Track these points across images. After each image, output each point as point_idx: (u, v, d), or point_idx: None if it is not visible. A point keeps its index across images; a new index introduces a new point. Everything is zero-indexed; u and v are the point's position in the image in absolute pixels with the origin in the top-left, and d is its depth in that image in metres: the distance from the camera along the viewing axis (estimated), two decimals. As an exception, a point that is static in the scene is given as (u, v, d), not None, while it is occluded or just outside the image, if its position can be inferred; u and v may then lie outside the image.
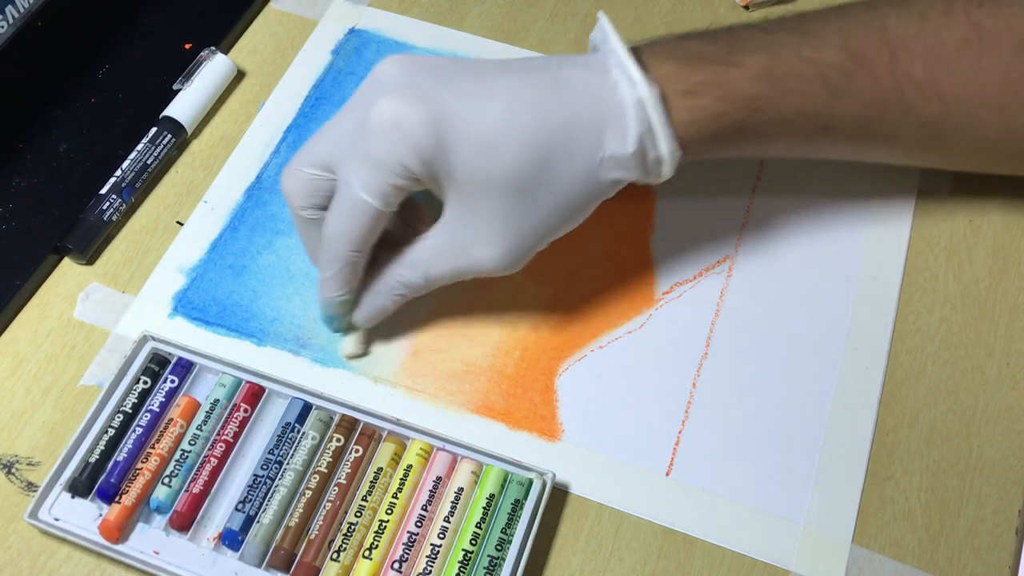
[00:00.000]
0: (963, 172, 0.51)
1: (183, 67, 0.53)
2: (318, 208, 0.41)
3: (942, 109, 0.41)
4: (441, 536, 0.39)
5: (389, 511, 0.40)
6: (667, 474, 0.42)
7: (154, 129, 0.50)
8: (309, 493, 0.40)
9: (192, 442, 0.41)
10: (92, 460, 0.41)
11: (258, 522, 0.40)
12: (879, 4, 0.42)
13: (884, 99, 0.41)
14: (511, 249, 0.40)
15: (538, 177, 0.38)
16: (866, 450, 0.43)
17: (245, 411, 0.42)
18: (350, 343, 0.45)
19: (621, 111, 0.38)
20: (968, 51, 0.41)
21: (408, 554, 0.39)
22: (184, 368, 0.43)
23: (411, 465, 0.41)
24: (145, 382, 0.43)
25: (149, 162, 0.50)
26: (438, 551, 0.39)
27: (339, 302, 0.42)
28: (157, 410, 0.42)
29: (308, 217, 0.41)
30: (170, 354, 0.44)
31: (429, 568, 0.39)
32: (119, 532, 0.39)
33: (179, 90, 0.52)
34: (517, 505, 0.40)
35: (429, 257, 0.41)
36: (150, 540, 0.40)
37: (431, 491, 0.41)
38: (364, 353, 0.45)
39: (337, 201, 0.40)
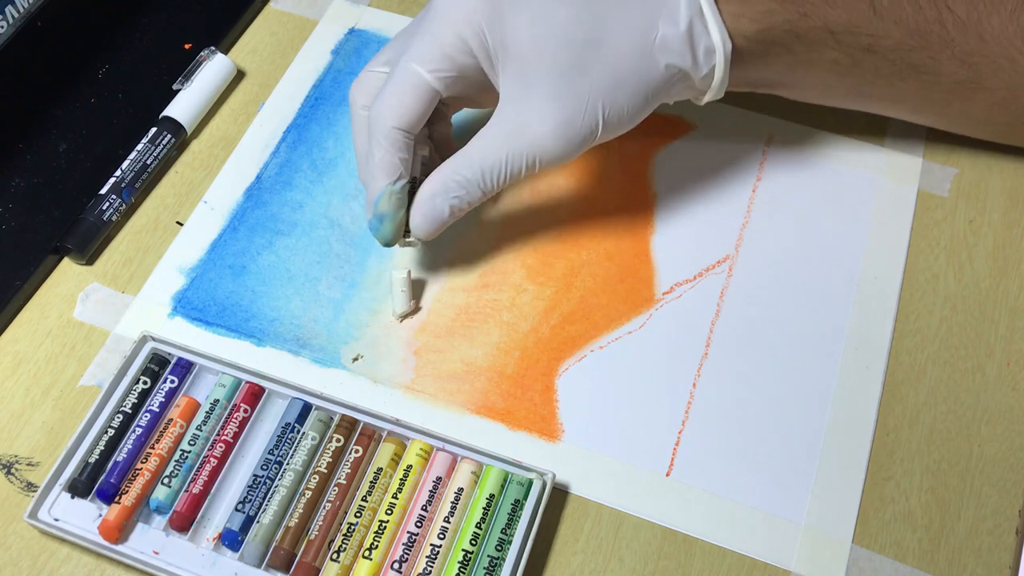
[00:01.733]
0: (965, 172, 0.51)
1: (183, 67, 0.53)
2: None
3: (982, 47, 0.43)
4: (441, 536, 0.39)
5: (389, 511, 0.40)
6: (667, 474, 0.42)
7: (154, 129, 0.50)
8: (309, 493, 0.40)
9: (192, 442, 0.41)
10: (92, 460, 0.41)
11: (258, 522, 0.40)
12: None
13: (925, 29, 0.43)
14: (567, 125, 0.40)
15: (592, 48, 0.39)
16: (866, 450, 0.43)
17: (245, 411, 0.42)
18: (400, 300, 0.45)
19: None
20: None
21: (408, 554, 0.39)
22: (184, 368, 0.43)
23: (411, 465, 0.41)
24: (145, 382, 0.43)
25: (149, 162, 0.50)
26: (438, 551, 0.39)
27: (387, 197, 0.42)
28: (157, 410, 0.42)
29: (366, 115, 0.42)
30: (170, 354, 0.44)
31: (429, 568, 0.39)
32: (119, 532, 0.39)
33: (179, 90, 0.52)
34: (517, 505, 0.40)
35: (483, 145, 0.41)
36: (150, 540, 0.40)
37: (431, 491, 0.41)
38: (415, 310, 0.46)
39: (389, 77, 0.41)
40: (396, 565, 0.39)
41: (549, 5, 0.39)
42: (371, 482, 0.41)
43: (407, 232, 0.44)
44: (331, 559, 0.39)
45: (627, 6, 0.40)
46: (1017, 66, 0.44)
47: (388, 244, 0.44)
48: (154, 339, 0.44)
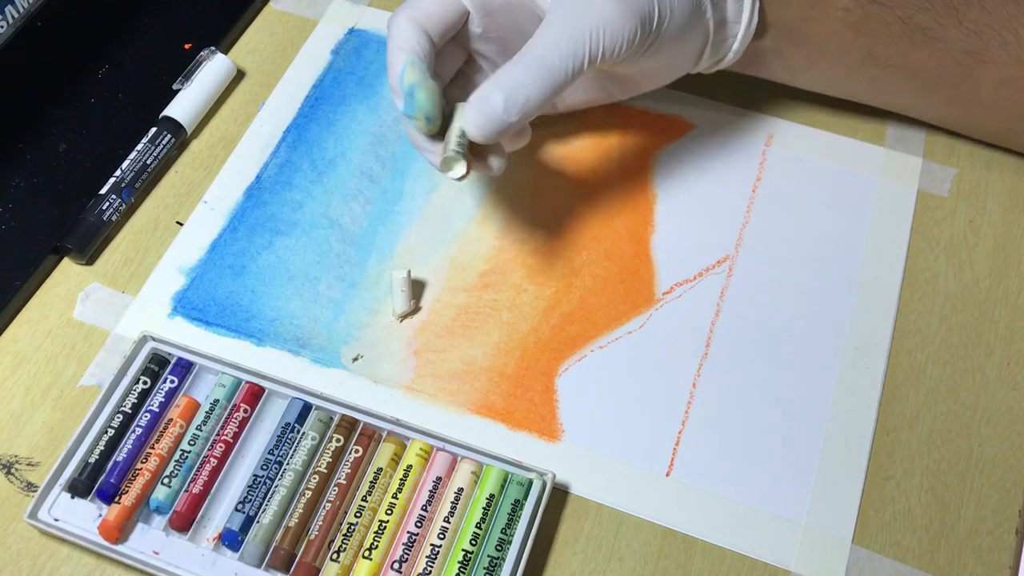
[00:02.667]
0: (965, 172, 0.51)
1: (183, 67, 0.53)
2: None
3: (985, 18, 0.45)
4: (441, 536, 0.39)
5: (389, 511, 0.40)
6: (667, 474, 0.42)
7: (154, 129, 0.50)
8: (309, 493, 0.40)
9: (192, 442, 0.41)
10: (92, 460, 0.41)
11: (258, 522, 0.40)
12: None
13: None
14: (635, 23, 0.40)
15: None
16: (866, 450, 0.43)
17: (245, 411, 0.42)
18: (400, 300, 0.45)
19: None
20: None
21: (408, 554, 0.39)
22: (184, 368, 0.43)
23: (411, 465, 0.41)
24: (145, 382, 0.43)
25: (149, 162, 0.50)
26: (438, 551, 0.39)
27: (410, 67, 0.39)
28: (157, 410, 0.42)
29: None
30: (170, 354, 0.44)
31: (429, 568, 0.39)
32: (119, 532, 0.39)
33: (179, 90, 0.52)
34: (517, 505, 0.40)
35: (542, 32, 0.39)
36: (150, 540, 0.40)
37: (431, 491, 0.41)
38: (415, 310, 0.46)
39: None
40: (396, 565, 0.39)
41: None
42: (371, 482, 0.41)
43: (458, 147, 0.39)
44: (331, 559, 0.39)
45: None
46: (1022, 40, 0.44)
47: (431, 121, 0.39)
48: (154, 339, 0.44)
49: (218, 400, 0.42)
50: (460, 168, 0.39)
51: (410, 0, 0.42)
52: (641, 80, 0.47)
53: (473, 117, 0.38)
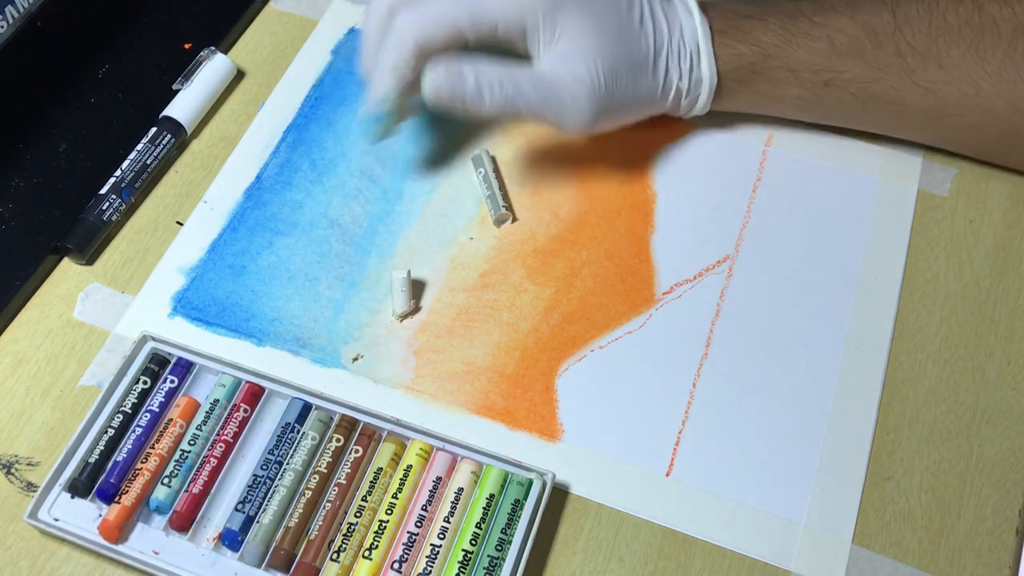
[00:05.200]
0: (965, 172, 0.51)
1: (183, 67, 0.53)
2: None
3: (943, 75, 0.45)
4: (441, 536, 0.39)
5: (389, 511, 0.40)
6: (667, 474, 0.42)
7: (154, 129, 0.50)
8: (309, 493, 0.40)
9: (192, 442, 0.41)
10: (92, 460, 0.41)
11: (258, 522, 0.40)
12: None
13: (885, 62, 0.46)
14: (600, 90, 0.45)
15: (624, 44, 0.45)
16: (866, 450, 0.43)
17: (245, 411, 0.42)
18: (400, 300, 0.45)
19: (688, 24, 0.46)
20: (969, 29, 0.45)
21: (408, 554, 0.39)
22: (184, 368, 0.43)
23: (411, 465, 0.41)
24: (145, 382, 0.43)
25: (149, 162, 0.50)
26: (438, 551, 0.39)
27: (391, 101, 0.44)
28: (157, 410, 0.42)
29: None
30: (170, 354, 0.44)
31: (429, 568, 0.39)
32: (119, 532, 0.39)
33: (179, 90, 0.52)
34: (517, 505, 0.40)
35: (530, 78, 0.44)
36: (150, 540, 0.40)
37: (431, 491, 0.41)
38: (415, 310, 0.46)
39: (428, 4, 0.43)
40: (396, 565, 0.39)
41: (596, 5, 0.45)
42: (371, 482, 0.41)
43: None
44: (331, 559, 0.39)
45: (652, 25, 0.46)
46: (981, 92, 0.45)
47: (376, 140, 0.49)
48: (154, 339, 0.44)
49: (218, 400, 0.42)
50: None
51: (418, 23, 0.43)
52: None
53: (441, 79, 0.43)
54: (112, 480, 0.40)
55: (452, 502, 0.40)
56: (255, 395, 0.43)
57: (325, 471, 0.41)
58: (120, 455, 0.41)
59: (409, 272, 0.45)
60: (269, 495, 0.40)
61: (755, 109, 0.50)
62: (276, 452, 0.41)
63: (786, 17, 0.47)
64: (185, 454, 0.41)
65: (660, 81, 0.46)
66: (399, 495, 0.40)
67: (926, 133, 0.49)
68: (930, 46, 0.45)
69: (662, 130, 0.52)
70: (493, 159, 0.50)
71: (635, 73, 0.45)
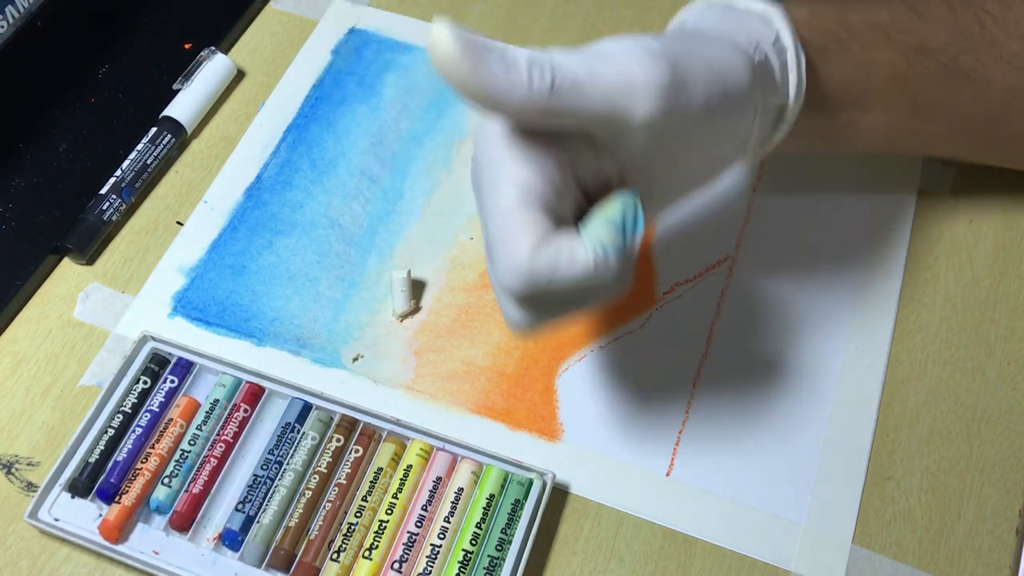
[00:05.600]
0: (965, 172, 0.51)
1: (183, 67, 0.53)
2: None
3: None
4: (441, 536, 0.39)
5: (389, 511, 0.40)
6: (667, 474, 0.42)
7: (154, 129, 0.50)
8: (309, 493, 0.40)
9: (192, 442, 0.41)
10: (92, 460, 0.41)
11: (258, 522, 0.40)
12: None
13: (966, 29, 0.42)
14: (671, 69, 0.33)
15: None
16: (866, 450, 0.43)
17: (245, 411, 0.42)
18: (400, 300, 0.45)
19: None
20: None
21: (408, 554, 0.39)
22: (184, 368, 0.43)
23: (411, 465, 0.41)
24: (145, 382, 0.43)
25: (149, 162, 0.50)
26: (438, 551, 0.39)
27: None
28: (157, 410, 0.42)
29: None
30: (170, 354, 0.44)
31: (429, 568, 0.39)
32: (119, 532, 0.39)
33: (179, 90, 0.52)
34: (517, 505, 0.40)
35: (585, 62, 0.32)
36: (150, 540, 0.40)
37: (431, 491, 0.41)
38: (415, 310, 0.46)
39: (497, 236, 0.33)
40: (396, 565, 0.39)
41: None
42: (371, 482, 0.41)
43: None
44: (331, 559, 0.39)
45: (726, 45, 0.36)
46: None
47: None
48: (154, 339, 0.44)
49: (218, 400, 0.42)
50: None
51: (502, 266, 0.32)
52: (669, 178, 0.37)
53: (447, 43, 0.31)
54: (112, 480, 0.40)
55: (452, 502, 0.40)
56: (255, 395, 0.43)
57: (325, 471, 0.41)
58: (120, 455, 0.41)
59: (409, 272, 0.45)
60: (269, 495, 0.40)
61: (852, 92, 0.42)
62: (276, 452, 0.41)
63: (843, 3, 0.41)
64: (185, 454, 0.41)
65: (744, 64, 0.36)
66: (399, 495, 0.40)
67: (1004, 124, 0.45)
68: (1006, 13, 0.42)
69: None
70: None
71: (711, 55, 0.35)
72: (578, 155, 0.33)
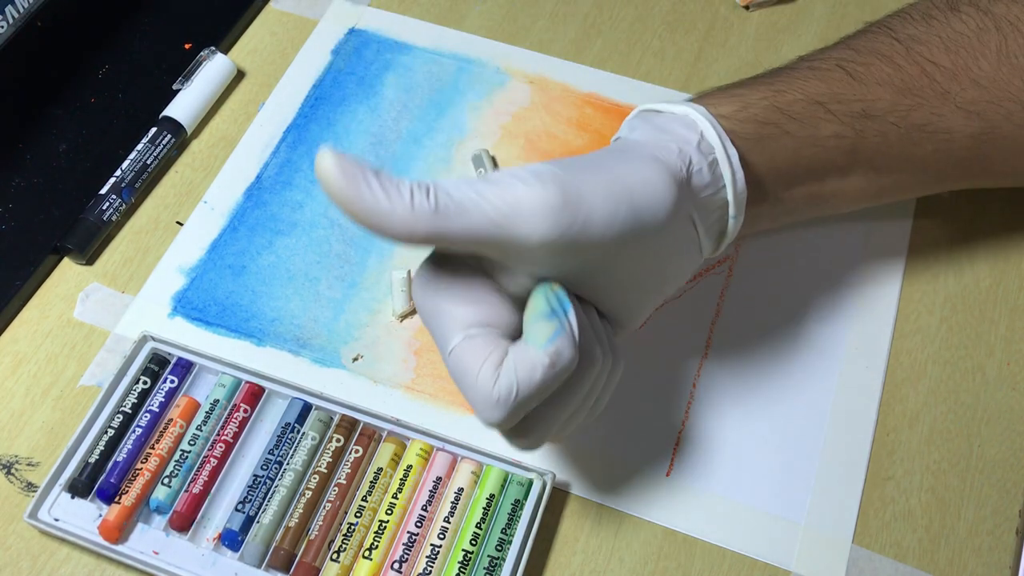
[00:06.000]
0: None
1: (183, 67, 0.53)
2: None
3: (982, 94, 0.40)
4: (441, 536, 0.39)
5: (389, 511, 0.40)
6: (667, 475, 0.42)
7: (154, 129, 0.50)
8: (309, 493, 0.40)
9: (192, 442, 0.41)
10: (92, 460, 0.41)
11: (258, 522, 0.40)
12: (878, 22, 0.42)
13: (914, 85, 0.40)
14: (564, 202, 0.32)
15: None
16: (866, 450, 0.43)
17: (245, 411, 0.42)
18: (400, 300, 0.45)
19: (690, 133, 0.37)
20: (988, 36, 0.40)
21: (408, 554, 0.39)
22: (184, 368, 0.43)
23: (411, 465, 0.41)
24: (145, 382, 0.43)
25: (149, 162, 0.50)
26: (438, 551, 0.39)
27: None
28: (157, 410, 0.42)
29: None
30: (170, 354, 0.44)
31: (429, 568, 0.39)
32: (119, 532, 0.39)
33: (179, 90, 0.52)
34: (517, 505, 0.40)
35: (476, 187, 0.32)
36: (150, 540, 0.40)
37: (431, 491, 0.41)
38: (415, 310, 0.46)
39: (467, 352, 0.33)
40: (396, 565, 0.39)
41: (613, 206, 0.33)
42: (371, 482, 0.41)
43: None
44: (331, 559, 0.39)
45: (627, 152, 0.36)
46: None
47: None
48: (154, 339, 0.44)
49: (218, 400, 0.42)
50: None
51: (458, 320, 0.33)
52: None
53: (328, 167, 0.30)
54: (112, 480, 0.40)
55: (452, 502, 0.40)
56: (255, 395, 0.43)
57: (325, 471, 0.41)
58: (120, 455, 0.41)
59: (409, 272, 0.45)
60: (269, 495, 0.40)
61: (799, 175, 0.41)
62: (276, 452, 0.41)
63: (778, 71, 0.41)
64: (185, 454, 0.41)
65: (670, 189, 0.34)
66: (399, 495, 0.40)
67: (976, 164, 0.43)
68: (955, 60, 0.40)
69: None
70: (493, 159, 0.50)
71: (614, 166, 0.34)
72: (500, 278, 0.34)
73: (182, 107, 0.51)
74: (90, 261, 0.48)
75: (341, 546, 0.39)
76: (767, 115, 0.39)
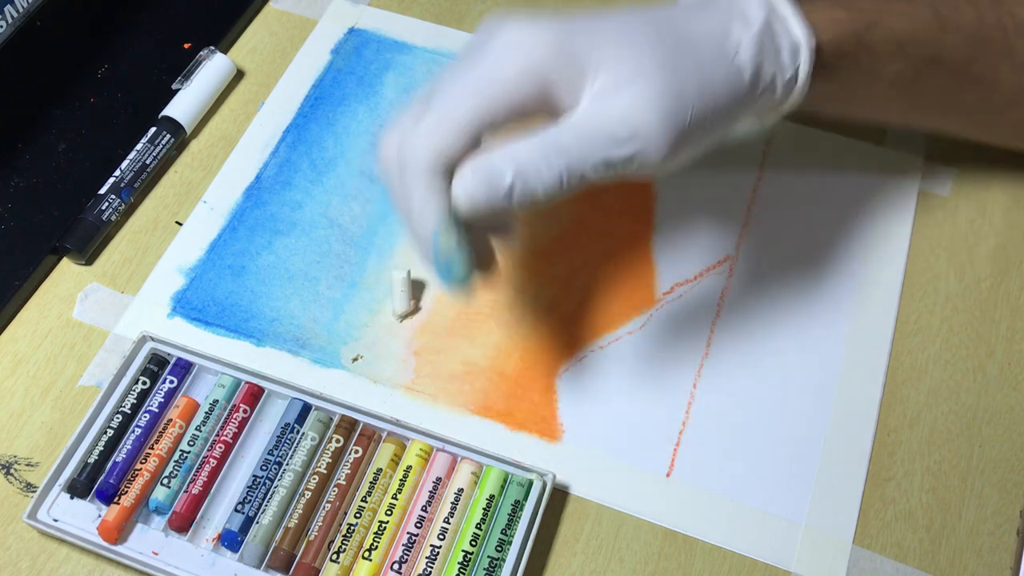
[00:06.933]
0: (966, 172, 0.51)
1: (182, 67, 0.53)
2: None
3: None
4: (441, 537, 0.39)
5: (389, 512, 0.40)
6: (668, 475, 0.42)
7: (153, 129, 0.50)
8: (308, 494, 0.40)
9: (191, 443, 0.41)
10: (91, 461, 0.41)
11: (257, 523, 0.40)
12: None
13: (987, 36, 0.42)
14: (673, 111, 0.34)
15: (681, 51, 0.36)
16: (867, 451, 0.43)
17: (244, 412, 0.42)
18: (400, 300, 0.45)
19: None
20: None
21: (408, 555, 0.39)
22: (183, 368, 0.43)
23: (411, 466, 0.41)
24: (144, 382, 0.43)
25: (148, 162, 0.50)
26: (438, 552, 0.39)
27: (443, 238, 0.35)
28: (156, 410, 0.42)
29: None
30: (169, 354, 0.44)
31: (429, 569, 0.39)
32: (118, 533, 0.39)
33: (178, 90, 0.52)
34: (517, 506, 0.40)
35: (574, 133, 0.34)
36: (149, 541, 0.40)
37: (431, 492, 0.40)
38: (415, 310, 0.46)
39: (428, 110, 0.35)
40: (396, 566, 0.39)
41: (628, 16, 0.36)
42: (371, 483, 0.41)
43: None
44: (331, 560, 0.39)
45: (704, 13, 0.37)
46: None
47: (463, 282, 0.36)
48: (153, 339, 0.44)
49: (217, 400, 0.42)
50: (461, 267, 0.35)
51: (428, 144, 0.34)
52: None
53: (471, 185, 0.33)
54: (111, 481, 0.40)
55: (452, 503, 0.40)
56: (255, 395, 0.43)
57: (325, 472, 0.41)
58: (119, 455, 0.41)
59: (409, 272, 0.45)
60: (269, 496, 0.40)
61: (846, 93, 0.42)
62: (276, 453, 0.41)
63: None
64: (184, 454, 0.41)
65: (744, 71, 0.36)
66: (399, 496, 0.40)
67: (1005, 118, 0.45)
68: None
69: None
70: None
71: (705, 71, 0.35)
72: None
73: (181, 107, 0.51)
74: (89, 261, 0.48)
75: (341, 547, 0.39)
76: (850, 47, 0.40)
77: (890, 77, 0.42)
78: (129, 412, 0.42)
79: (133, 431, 0.42)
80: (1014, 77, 0.43)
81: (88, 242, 0.47)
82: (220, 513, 0.41)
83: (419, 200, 0.34)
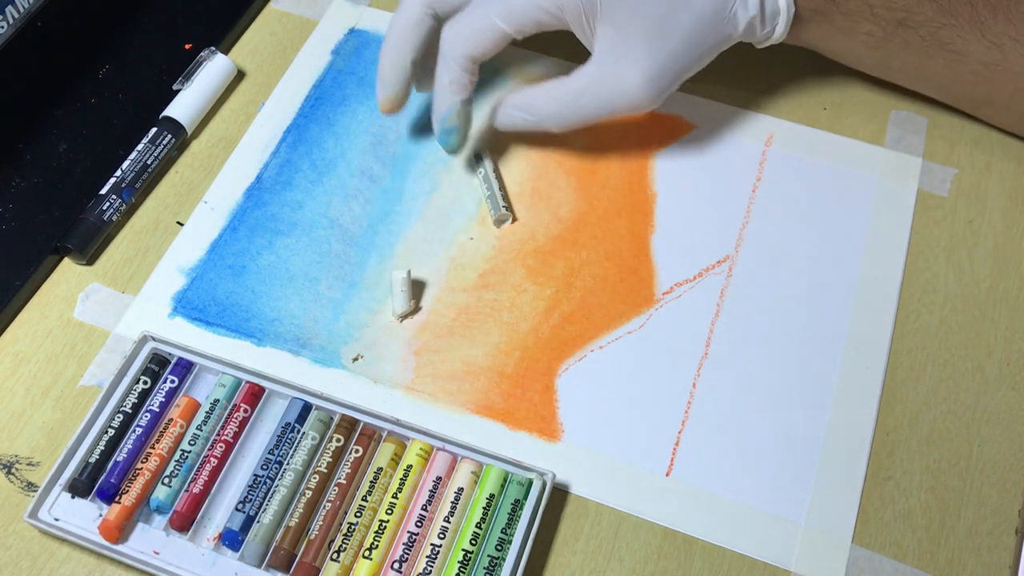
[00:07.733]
0: (965, 172, 0.51)
1: (183, 67, 0.53)
2: (435, 16, 0.47)
3: (1009, 29, 0.45)
4: (441, 536, 0.39)
5: (389, 511, 0.40)
6: (667, 474, 0.42)
7: (154, 129, 0.50)
8: (309, 493, 0.40)
9: (192, 442, 0.41)
10: (92, 460, 0.41)
11: (258, 522, 0.40)
12: None
13: (957, 8, 0.46)
14: (655, 79, 0.45)
15: (680, 10, 0.44)
16: (866, 450, 0.43)
17: (245, 411, 0.42)
18: (400, 300, 0.45)
19: None
20: None
21: (408, 554, 0.39)
22: (184, 368, 0.43)
23: (411, 465, 0.41)
24: (145, 382, 0.43)
25: (149, 162, 0.50)
26: (438, 551, 0.39)
27: (458, 112, 0.47)
28: (157, 410, 0.42)
29: (420, 19, 0.47)
30: (170, 354, 0.44)
31: (429, 568, 0.39)
32: (119, 532, 0.39)
33: (179, 90, 0.52)
34: (517, 505, 0.40)
35: (577, 89, 0.46)
36: (150, 540, 0.40)
37: (431, 491, 0.41)
38: (415, 310, 0.46)
39: (468, 14, 0.46)
40: (396, 565, 0.39)
41: None
42: (371, 482, 0.41)
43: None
44: (331, 559, 0.39)
45: None
46: None
47: (454, 152, 0.50)
48: (154, 339, 0.44)
49: (218, 400, 0.42)
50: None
51: (467, 34, 0.45)
52: None
53: (503, 117, 0.48)
54: (112, 480, 0.40)
55: (452, 502, 0.40)
56: (255, 395, 0.43)
57: (325, 471, 0.41)
58: (120, 455, 0.41)
59: (409, 272, 0.45)
60: (269, 495, 0.40)
61: (824, 44, 0.49)
62: (276, 452, 0.41)
63: None
64: (185, 454, 0.41)
65: (729, 25, 0.45)
66: (399, 495, 0.40)
67: (976, 90, 0.49)
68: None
69: (662, 130, 0.52)
70: (493, 159, 0.50)
71: (695, 24, 0.45)
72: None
73: (182, 107, 0.51)
74: (90, 261, 0.48)
75: (341, 546, 0.39)
76: (823, 5, 0.46)
77: (860, 37, 0.47)
78: (130, 412, 0.42)
79: (134, 431, 0.42)
80: (982, 49, 0.46)
81: (89, 242, 0.47)
82: (221, 512, 0.41)
83: (446, 82, 0.46)
